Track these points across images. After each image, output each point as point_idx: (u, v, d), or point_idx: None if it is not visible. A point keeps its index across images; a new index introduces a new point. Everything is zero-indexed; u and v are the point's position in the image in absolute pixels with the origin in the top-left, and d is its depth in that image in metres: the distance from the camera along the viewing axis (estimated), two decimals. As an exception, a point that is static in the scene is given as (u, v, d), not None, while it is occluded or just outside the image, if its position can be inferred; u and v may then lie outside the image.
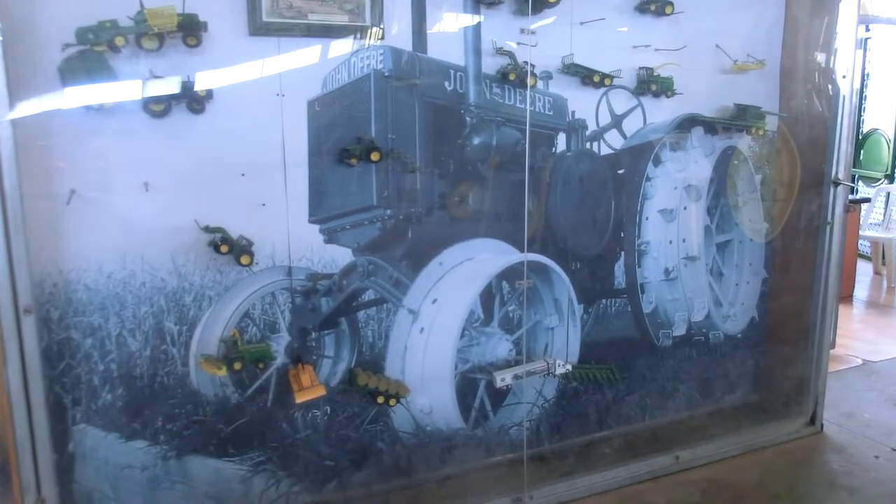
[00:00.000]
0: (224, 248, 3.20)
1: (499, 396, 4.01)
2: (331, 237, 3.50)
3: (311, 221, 3.45)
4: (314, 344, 3.57)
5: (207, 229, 3.18)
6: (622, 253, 4.25)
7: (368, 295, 3.64)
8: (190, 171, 3.14)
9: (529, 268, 3.96)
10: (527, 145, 3.71)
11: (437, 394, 3.83)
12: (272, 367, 3.46)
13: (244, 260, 3.26)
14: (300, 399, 3.31)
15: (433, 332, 3.77)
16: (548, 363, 3.83)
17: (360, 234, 3.57)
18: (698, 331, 4.51)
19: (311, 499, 3.61)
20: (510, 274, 3.93)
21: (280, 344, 3.47)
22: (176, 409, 3.31)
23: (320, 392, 3.36)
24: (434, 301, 3.75)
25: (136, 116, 2.99)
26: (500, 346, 3.96)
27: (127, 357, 3.20)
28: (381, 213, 3.57)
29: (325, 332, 3.58)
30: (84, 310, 3.10)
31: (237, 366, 3.27)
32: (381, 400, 3.62)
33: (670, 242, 4.35)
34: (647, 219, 4.26)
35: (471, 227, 3.80)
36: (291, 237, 3.40)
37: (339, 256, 3.55)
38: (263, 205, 3.32)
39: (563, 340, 4.11)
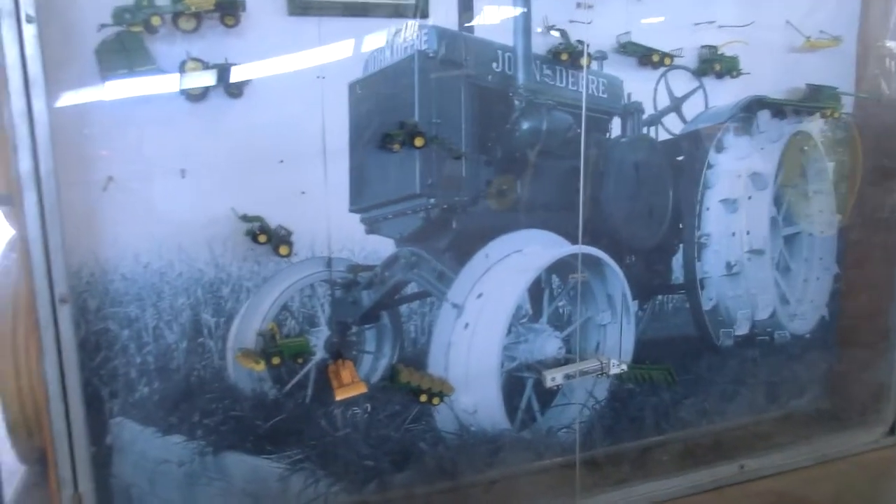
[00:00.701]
0: (262, 238, 3.20)
1: (547, 397, 3.94)
2: (372, 227, 3.47)
3: (351, 210, 3.42)
4: (354, 339, 3.55)
5: (245, 218, 3.18)
6: (680, 245, 4.13)
7: (411, 288, 3.61)
8: (227, 158, 3.14)
9: (575, 258, 3.87)
10: (582, 130, 3.63)
11: (482, 393, 3.78)
12: (311, 363, 3.45)
13: (283, 250, 3.26)
14: (340, 396, 3.30)
15: (478, 327, 3.71)
16: (602, 362, 3.74)
17: (402, 224, 3.53)
18: (762, 330, 4.36)
19: (350, 499, 3.59)
20: (560, 267, 3.85)
21: (319, 338, 3.46)
22: (213, 404, 3.33)
23: (361, 389, 3.33)
24: (479, 295, 3.70)
25: (173, 100, 3.00)
26: (549, 344, 3.89)
27: (163, 349, 3.23)
28: (424, 202, 3.53)
29: (366, 326, 3.56)
30: (121, 300, 3.13)
31: (275, 360, 3.26)
32: (423, 398, 3.58)
33: (733, 235, 4.21)
34: (707, 209, 4.13)
35: (519, 217, 3.73)
36: (332, 227, 3.38)
37: (381, 247, 3.51)
38: (303, 193, 3.30)
39: (617, 338, 4.01)
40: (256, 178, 3.21)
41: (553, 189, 3.76)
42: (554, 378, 3.67)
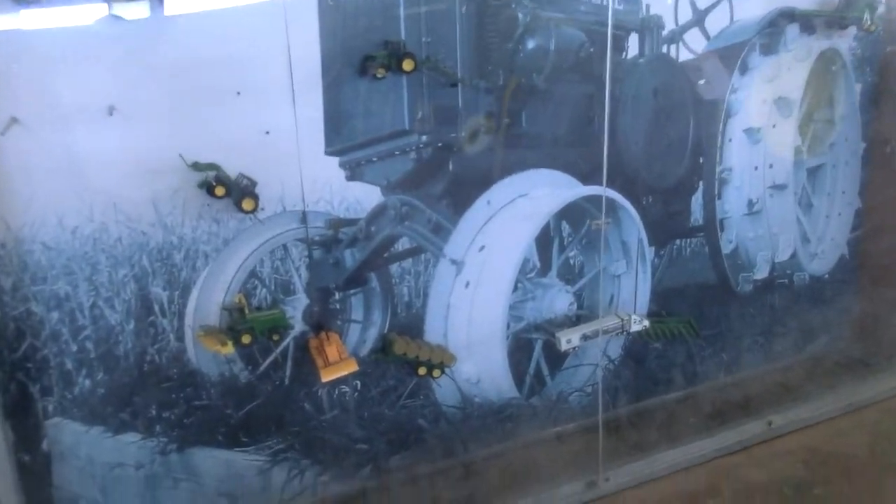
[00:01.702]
0: (220, 191, 2.48)
1: (557, 359, 3.36)
2: (354, 172, 2.78)
3: (328, 153, 2.71)
4: (339, 307, 2.89)
5: (197, 167, 2.46)
6: (700, 183, 3.53)
7: (402, 244, 2.94)
8: (168, 92, 2.38)
9: (592, 204, 3.25)
10: (608, 45, 2.94)
11: (486, 359, 3.17)
12: (288, 338, 2.79)
13: (246, 205, 2.54)
14: (327, 377, 2.65)
15: (481, 285, 3.08)
16: (622, 319, 3.16)
17: (389, 167, 2.84)
18: (782, 272, 3.83)
19: (343, 488, 3.00)
20: (571, 212, 3.22)
21: (297, 308, 2.79)
22: (172, 394, 2.66)
23: (351, 367, 2.69)
24: (481, 248, 3.06)
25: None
26: (558, 300, 3.29)
27: (105, 333, 2.52)
28: (415, 141, 2.83)
29: (352, 291, 2.90)
30: (45, 276, 2.40)
31: (245, 339, 2.59)
32: (422, 371, 2.97)
33: (755, 169, 3.63)
34: (730, 140, 3.52)
35: (524, 155, 3.07)
36: (305, 174, 2.67)
37: (365, 197, 2.82)
38: (267, 133, 2.57)
39: (632, 290, 3.43)
40: (207, 115, 2.47)
41: (563, 121, 3.10)
42: (569, 340, 3.09)
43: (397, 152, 2.84)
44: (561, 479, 3.06)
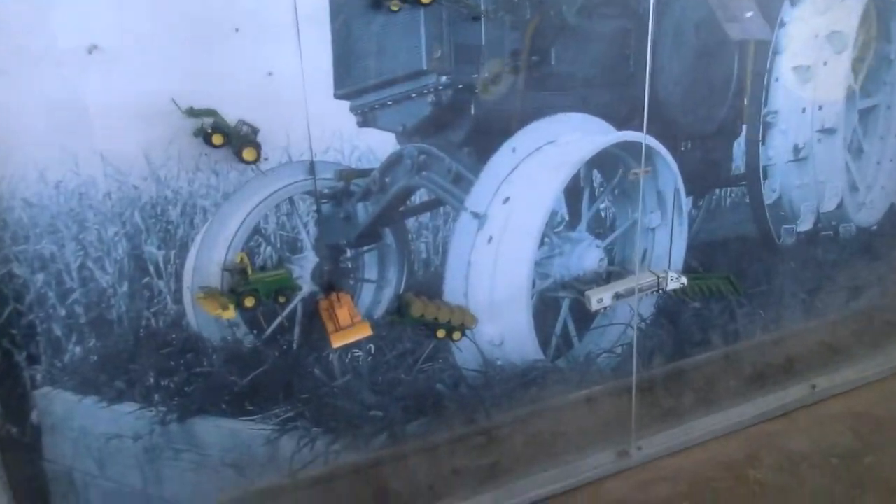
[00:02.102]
0: (218, 139, 2.20)
1: (585, 319, 3.11)
2: (366, 118, 2.48)
3: (337, 96, 2.41)
4: (350, 265, 2.63)
5: (192, 113, 2.17)
6: (743, 126, 3.19)
7: (420, 196, 2.66)
8: (157, 26, 2.09)
9: (626, 151, 2.94)
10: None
11: (509, 320, 2.92)
12: (296, 300, 2.54)
13: (248, 155, 2.27)
14: (338, 342, 2.41)
15: (505, 241, 2.81)
16: (658, 276, 2.89)
17: (405, 111, 2.54)
18: (826, 224, 3.52)
19: (357, 458, 2.79)
20: (603, 160, 2.92)
21: (305, 268, 2.54)
22: (172, 361, 2.43)
23: (364, 332, 2.45)
24: (506, 200, 2.77)
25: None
26: (588, 256, 3.01)
27: (97, 296, 2.28)
28: (433, 82, 2.52)
29: (365, 248, 2.63)
30: (27, 235, 2.15)
31: (249, 302, 2.35)
32: (441, 334, 2.72)
33: (803, 111, 3.28)
34: (776, 79, 3.17)
35: (554, 97, 2.75)
36: (312, 120, 2.38)
37: (379, 144, 2.53)
38: (270, 74, 2.28)
39: (666, 244, 3.15)
40: (202, 55, 2.18)
41: (596, 60, 2.76)
42: (601, 299, 2.82)
43: (414, 95, 2.53)
44: (590, 447, 2.84)
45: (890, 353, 3.38)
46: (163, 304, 2.37)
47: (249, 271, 2.35)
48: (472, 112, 2.62)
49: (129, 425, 2.42)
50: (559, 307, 3.03)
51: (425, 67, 2.49)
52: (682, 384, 3.10)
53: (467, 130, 2.63)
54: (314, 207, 2.49)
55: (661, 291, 2.92)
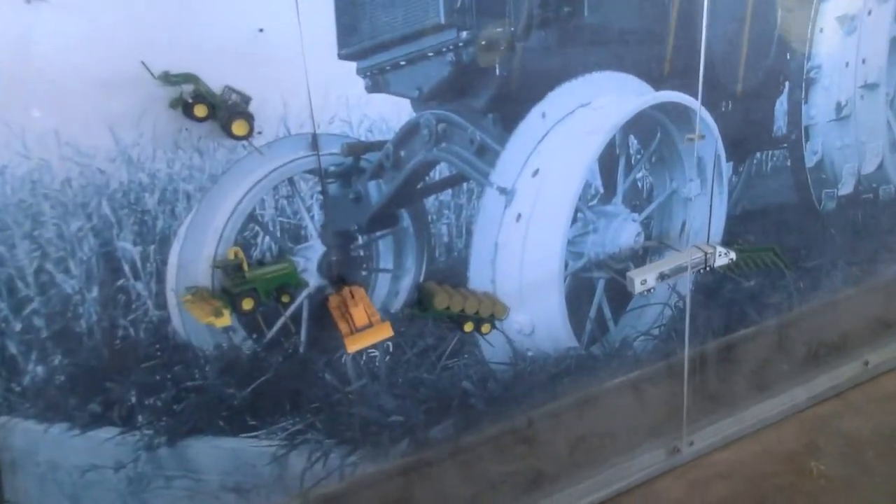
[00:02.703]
0: (201, 111, 1.73)
1: (621, 300, 2.70)
2: (376, 82, 2.01)
3: (342, 56, 1.94)
4: (363, 253, 2.18)
5: (167, 79, 1.69)
6: (786, 84, 2.78)
7: (439, 172, 2.21)
8: (116, -34, 1.61)
9: (665, 114, 2.51)
10: None
11: (540, 305, 2.50)
12: (302, 296, 2.09)
13: (238, 129, 1.79)
14: (354, 347, 1.96)
15: (535, 218, 2.37)
16: (705, 252, 2.48)
17: (421, 73, 2.07)
18: (867, 186, 3.14)
19: (377, 469, 2.36)
20: (640, 124, 2.48)
21: (310, 259, 2.08)
22: (157, 376, 1.97)
23: (384, 333, 2.00)
24: (535, 173, 2.33)
25: None
26: (624, 231, 2.59)
27: (60, 305, 1.81)
28: (452, 38, 2.06)
29: (379, 233, 2.18)
30: (-33, 234, 1.67)
31: (247, 305, 1.89)
32: (469, 327, 2.29)
33: (846, 65, 2.87)
34: (820, 31, 2.75)
35: (587, 54, 2.30)
36: (313, 85, 1.91)
37: (392, 113, 2.07)
38: (261, 31, 1.80)
39: (705, 215, 2.74)
40: (178, 7, 1.69)
41: (633, 10, 2.31)
42: (644, 281, 2.40)
43: (431, 53, 2.06)
44: (637, 444, 2.44)
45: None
46: (142, 310, 1.90)
47: (245, 267, 1.89)
48: (497, 72, 2.17)
49: (108, 453, 1.96)
50: (593, 289, 2.62)
51: (443, 21, 2.02)
52: (726, 367, 2.70)
53: (492, 94, 2.18)
54: (319, 188, 2.03)
55: (708, 269, 2.51)
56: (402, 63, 2.03)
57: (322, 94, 1.94)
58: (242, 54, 1.81)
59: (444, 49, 2.07)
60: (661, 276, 2.42)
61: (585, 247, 2.54)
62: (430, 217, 2.23)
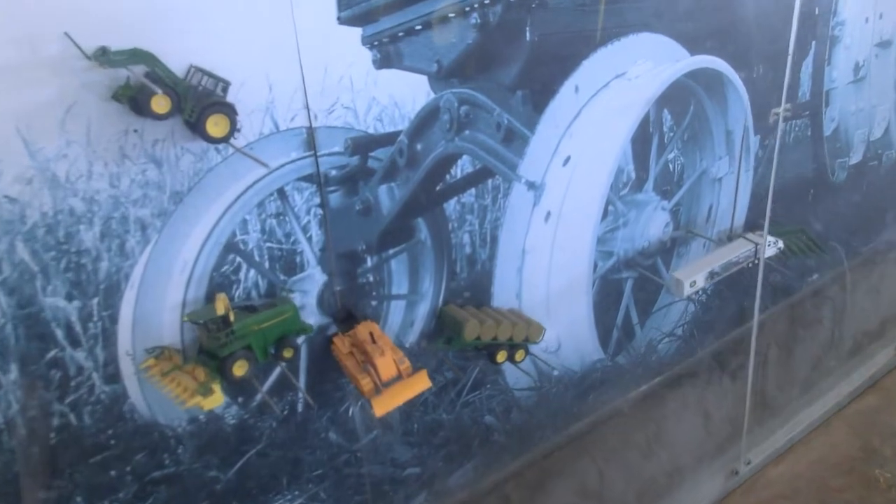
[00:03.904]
0: (161, 104, 1.18)
1: (648, 300, 2.34)
2: (386, 54, 1.51)
3: (343, 21, 1.42)
4: (372, 278, 1.69)
5: (106, 58, 1.13)
6: (812, 44, 2.47)
7: (461, 168, 1.74)
8: None
9: (698, 81, 2.14)
10: None
11: (567, 317, 2.10)
12: (299, 340, 1.59)
13: (215, 127, 1.25)
14: (384, 409, 1.48)
15: (564, 215, 1.95)
16: (755, 244, 2.15)
17: (440, 40, 1.58)
18: (874, 153, 2.92)
19: (391, 532, 1.93)
20: (674, 96, 2.09)
21: (308, 293, 1.57)
22: (112, 471, 1.42)
23: (421, 386, 1.53)
24: (566, 161, 1.90)
25: None
26: (654, 221, 2.22)
27: (-37, 397, 1.24)
28: (477, -6, 1.58)
29: (392, 250, 1.70)
30: None
31: (240, 370, 1.37)
32: (501, 357, 1.86)
33: (866, 21, 2.60)
34: (846, -18, 2.46)
35: (621, 13, 1.88)
36: (306, 62, 1.39)
37: (406, 94, 1.57)
38: (236, -15, 1.26)
39: (731, 195, 2.41)
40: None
41: (677, -46, 1.91)
42: (693, 282, 2.05)
43: (452, 14, 1.57)
44: (688, 469, 2.10)
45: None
46: (86, 388, 1.35)
47: (231, 317, 1.36)
48: (528, 37, 1.71)
49: (52, 582, 1.42)
50: (621, 291, 2.24)
51: (467, -29, 1.54)
52: (785, 367, 2.42)
53: (521, 65, 1.72)
54: (317, 200, 1.51)
55: (756, 262, 2.19)
56: (418, 27, 1.53)
57: (319, 74, 1.42)
58: (210, 20, 1.26)
59: (467, 8, 1.58)
60: (712, 276, 2.08)
61: (615, 244, 2.15)
62: (451, 225, 1.76)
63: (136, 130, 1.25)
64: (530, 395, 2.12)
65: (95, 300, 1.32)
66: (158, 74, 1.17)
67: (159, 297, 1.38)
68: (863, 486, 2.08)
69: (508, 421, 2.09)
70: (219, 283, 1.44)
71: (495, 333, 1.80)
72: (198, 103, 1.21)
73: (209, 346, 1.36)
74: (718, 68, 2.16)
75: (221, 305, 1.30)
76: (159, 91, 1.15)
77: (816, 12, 2.39)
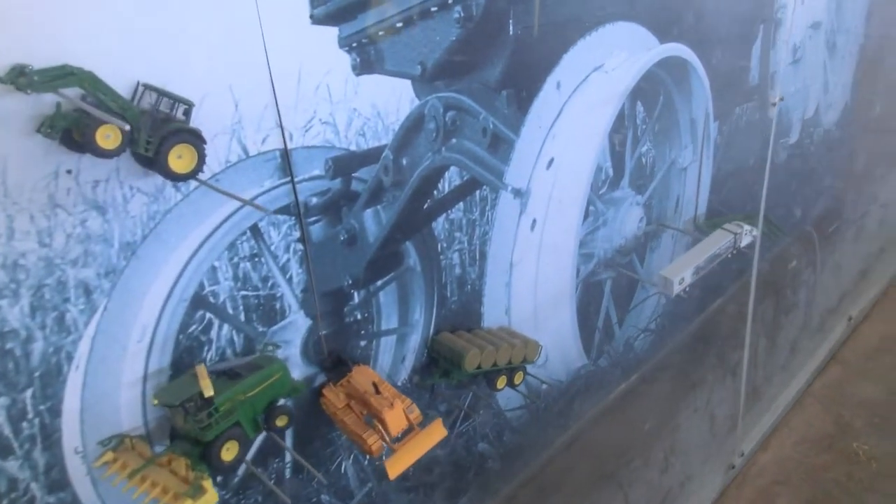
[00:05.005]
0: (107, 138, 0.87)
1: (625, 299, 2.19)
2: (366, 57, 1.23)
3: (316, 19, 1.14)
4: (360, 316, 1.42)
5: (27, 80, 0.81)
6: (760, 28, 2.37)
7: (450, 179, 1.50)
8: None
9: (667, 71, 1.98)
10: None
11: (554, 327, 1.91)
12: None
13: (179, 161, 0.95)
14: (399, 469, 1.23)
15: (549, 221, 1.75)
16: (734, 234, 2.02)
17: (424, 38, 1.32)
18: (807, 132, 2.90)
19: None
20: (645, 87, 1.93)
21: (291, 342, 1.29)
22: None
23: (437, 436, 1.29)
24: (550, 163, 1.69)
25: None
26: (629, 217, 2.05)
27: None
28: (460, -16, 1.33)
29: (378, 284, 1.43)
30: None
31: (229, 454, 1.08)
32: (502, 383, 1.64)
33: (802, 2, 2.54)
34: (786, -38, 2.37)
35: (600, 1, 1.68)
36: (278, 70, 1.10)
37: (390, 102, 1.30)
38: (189, -23, 0.96)
39: (695, 184, 2.29)
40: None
41: (650, -65, 1.72)
42: (682, 280, 1.91)
43: (434, 8, 1.32)
44: (687, 464, 1.97)
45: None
46: (23, 499, 1.03)
47: (211, 391, 1.07)
48: (511, 31, 1.47)
49: None
50: (601, 293, 2.07)
51: (449, -42, 1.29)
52: (771, 353, 2.33)
53: (506, 62, 1.48)
54: (296, 234, 1.23)
55: (735, 252, 2.07)
56: (399, 25, 1.27)
57: (292, 84, 1.13)
58: (156, 21, 0.95)
59: (450, 0, 1.33)
60: (697, 271, 1.94)
61: (595, 245, 1.97)
62: (440, 246, 1.51)
63: (69, 171, 0.93)
64: (521, 415, 1.92)
65: (29, 392, 0.99)
66: (102, 99, 0.86)
67: (113, 374, 1.06)
68: (845, 461, 2.04)
69: (501, 445, 1.88)
70: (186, 346, 1.13)
71: (494, 359, 1.58)
72: (155, 132, 0.91)
73: (187, 429, 1.05)
74: (684, 56, 2.01)
75: (207, 384, 1.01)
76: (108, 119, 0.84)
77: (763, -6, 2.31)
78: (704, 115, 2.20)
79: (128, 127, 0.87)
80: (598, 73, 1.76)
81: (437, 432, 1.29)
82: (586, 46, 1.69)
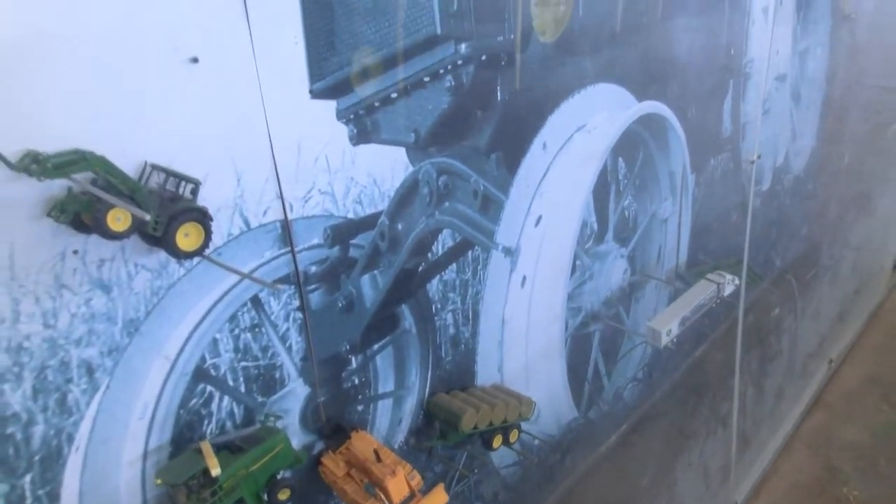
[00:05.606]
0: (118, 221, 0.88)
1: (613, 350, 2.22)
2: (363, 127, 1.26)
3: (316, 93, 1.17)
4: (357, 380, 1.42)
5: (38, 166, 0.82)
6: (731, 82, 2.47)
7: (443, 241, 1.52)
8: None
9: (645, 127, 2.05)
10: None
11: (544, 380, 1.92)
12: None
13: (187, 239, 0.96)
14: (403, 542, 1.23)
15: (539, 277, 1.78)
16: (717, 284, 2.07)
17: (417, 107, 1.36)
18: (778, 178, 3.00)
19: None
20: (626, 143, 1.99)
21: (290, 410, 1.28)
22: None
23: (439, 502, 1.29)
24: (538, 221, 1.73)
25: None
26: (615, 270, 2.10)
27: None
28: (450, 54, 1.38)
29: (376, 347, 1.44)
30: None
31: (233, 533, 1.07)
32: (498, 442, 1.64)
33: (769, 57, 2.66)
34: (753, 23, 2.48)
35: (580, 65, 1.74)
36: (279, 143, 1.12)
37: (385, 169, 1.33)
38: (195, 61, 0.98)
39: (675, 234, 2.35)
40: (55, 29, 0.83)
41: (617, 7, 1.80)
42: (670, 331, 1.95)
43: (427, 78, 1.36)
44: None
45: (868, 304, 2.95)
46: (25, 590, 0.99)
47: (218, 469, 1.05)
48: (499, 97, 1.52)
49: None
50: (590, 345, 2.10)
51: (440, 31, 1.34)
52: (757, 401, 2.35)
53: (495, 126, 1.53)
54: (296, 303, 1.24)
55: (719, 301, 2.12)
56: (394, 95, 1.30)
57: (292, 156, 1.16)
58: (166, 102, 0.98)
59: (441, 70, 1.38)
60: (684, 321, 1.98)
61: (583, 299, 2.00)
62: (434, 307, 1.53)
63: (75, 252, 0.93)
64: (515, 471, 1.91)
65: (28, 477, 0.97)
66: (112, 182, 0.87)
67: (113, 454, 1.05)
68: (839, 508, 2.07)
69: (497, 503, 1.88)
70: (187, 421, 1.12)
71: (490, 418, 1.59)
72: (163, 212, 0.92)
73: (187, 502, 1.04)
74: (662, 112, 2.09)
75: (214, 463, 1.00)
76: (118, 203, 0.85)
77: (732, 52, 2.41)
78: (682, 168, 2.27)
79: (139, 211, 0.87)
80: (581, 133, 1.81)
81: (438, 498, 1.28)
82: (570, 108, 1.75)
